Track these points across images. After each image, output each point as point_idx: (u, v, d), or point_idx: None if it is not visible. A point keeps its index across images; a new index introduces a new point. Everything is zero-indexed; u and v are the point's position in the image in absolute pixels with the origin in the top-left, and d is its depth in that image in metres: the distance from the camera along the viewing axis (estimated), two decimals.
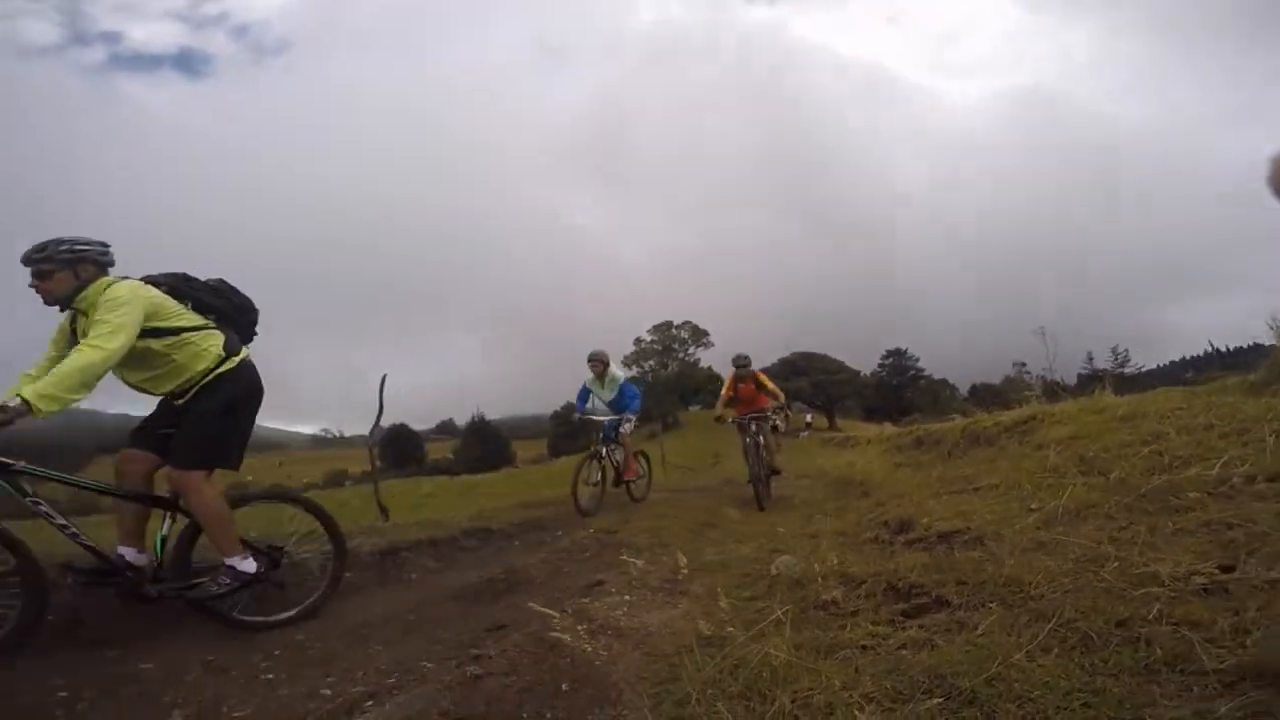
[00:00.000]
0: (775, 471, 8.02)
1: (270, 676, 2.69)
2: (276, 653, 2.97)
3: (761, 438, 7.73)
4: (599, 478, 7.09)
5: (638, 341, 58.06)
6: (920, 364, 66.93)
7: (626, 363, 57.82)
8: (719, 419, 8.31)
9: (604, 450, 7.22)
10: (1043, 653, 1.65)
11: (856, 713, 1.60)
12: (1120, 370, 49.37)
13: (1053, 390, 7.68)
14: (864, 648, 2.10)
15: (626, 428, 7.45)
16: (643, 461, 8.17)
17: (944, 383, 62.75)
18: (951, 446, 8.25)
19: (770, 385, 8.36)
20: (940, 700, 1.54)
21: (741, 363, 8.34)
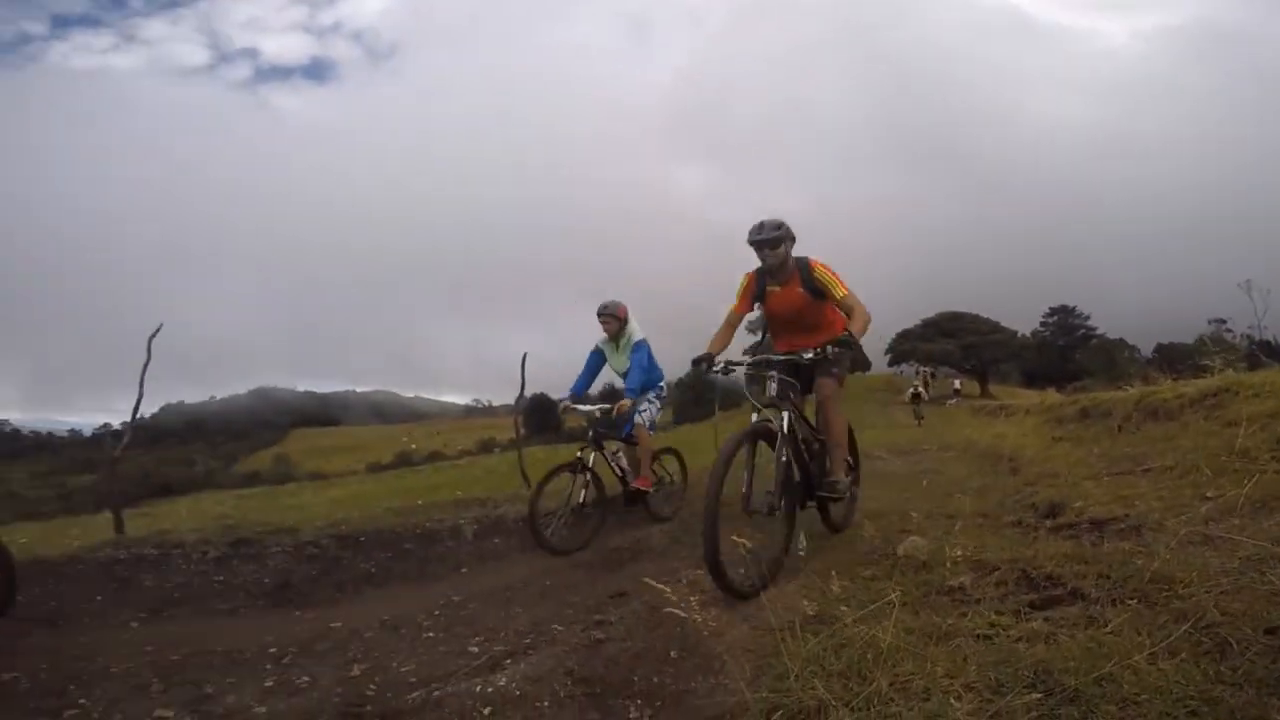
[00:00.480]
0: (834, 491, 3.89)
1: (431, 635, 3.14)
2: (436, 613, 3.45)
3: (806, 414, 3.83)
4: (582, 497, 4.94)
5: None
6: (1091, 322, 59.02)
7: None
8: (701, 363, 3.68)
9: (593, 456, 5.08)
10: (1169, 655, 1.52)
11: (953, 700, 1.58)
12: None
13: (1254, 356, 6.48)
14: (979, 637, 2.03)
15: (643, 416, 5.34)
16: (672, 464, 5.88)
17: (1121, 343, 54.77)
18: (1122, 420, 7.31)
19: (842, 289, 3.74)
20: (1040, 695, 1.49)
21: (767, 237, 3.71)
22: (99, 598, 3.83)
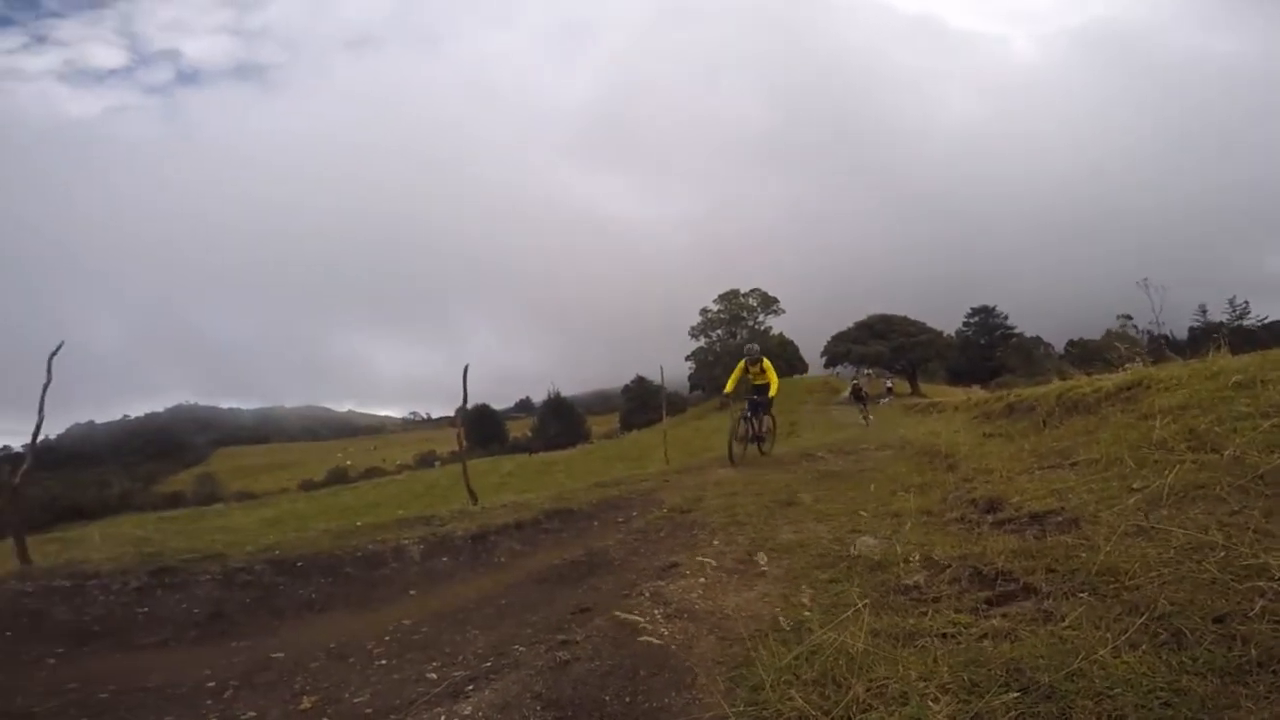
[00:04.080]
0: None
1: (383, 662, 2.97)
2: (387, 639, 3.27)
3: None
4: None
5: (704, 312, 57.50)
6: (1009, 321, 62.87)
7: (693, 333, 57.28)
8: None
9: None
10: (1130, 648, 1.59)
11: (931, 704, 1.60)
12: (1239, 323, 44.42)
13: (1158, 349, 7.02)
14: (944, 636, 2.08)
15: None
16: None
17: (1037, 340, 58.62)
18: (1046, 415, 7.73)
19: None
20: (1017, 694, 1.52)
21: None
22: (7, 633, 3.46)
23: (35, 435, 5.20)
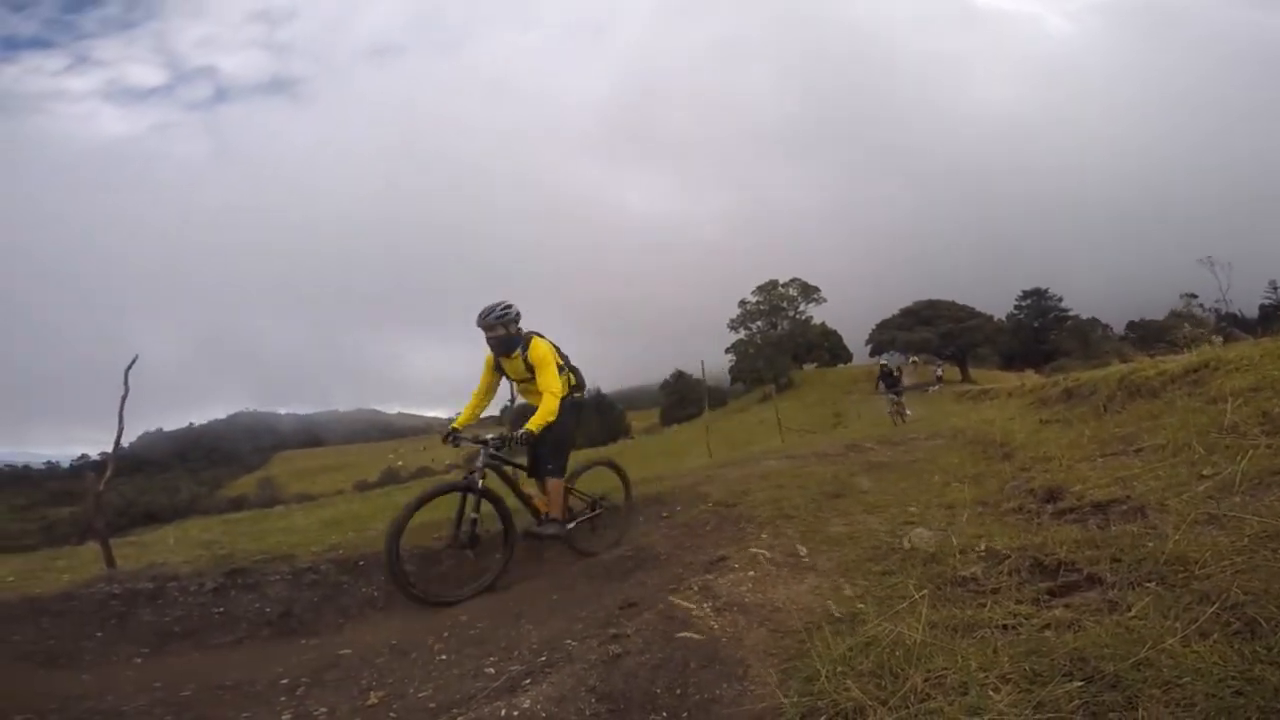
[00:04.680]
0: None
1: (443, 658, 3.09)
2: (446, 635, 3.39)
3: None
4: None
5: (742, 303, 56.99)
6: (1064, 304, 60.29)
7: (732, 325, 56.40)
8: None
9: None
10: (1200, 637, 1.54)
11: (991, 693, 1.58)
12: None
13: (1227, 328, 6.64)
14: (1004, 627, 2.04)
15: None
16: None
17: (1094, 322, 56.08)
18: (1107, 399, 7.43)
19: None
20: (1081, 684, 1.49)
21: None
22: (98, 635, 3.73)
23: (116, 444, 5.55)
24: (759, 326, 56.68)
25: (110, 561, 4.95)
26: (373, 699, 2.70)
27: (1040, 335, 56.93)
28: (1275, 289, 46.44)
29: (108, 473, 5.62)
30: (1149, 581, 2.00)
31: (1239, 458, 2.93)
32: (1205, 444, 3.50)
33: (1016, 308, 61.90)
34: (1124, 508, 2.95)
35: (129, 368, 5.39)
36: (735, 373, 57.34)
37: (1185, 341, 7.34)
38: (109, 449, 5.77)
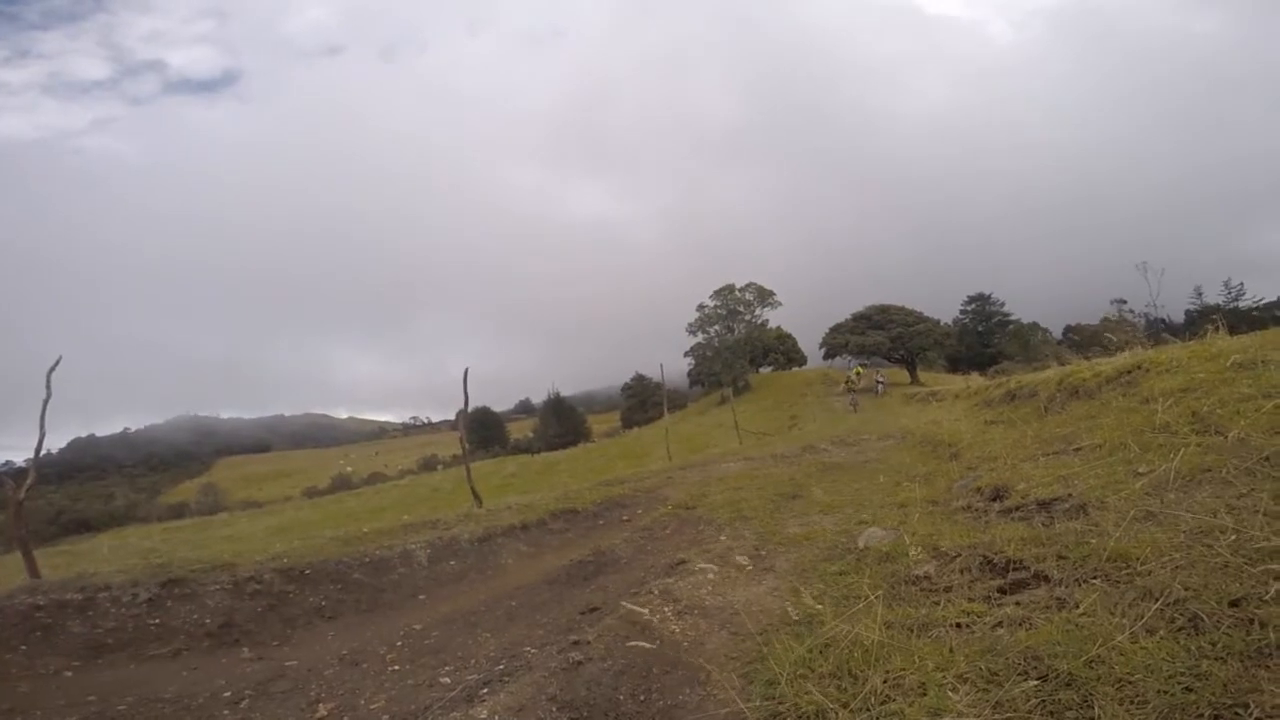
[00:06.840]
0: None
1: (396, 668, 2.98)
2: (399, 644, 3.27)
3: None
4: None
5: (700, 308, 57.37)
6: (1006, 308, 62.91)
7: (690, 329, 57.23)
8: None
9: None
10: (1147, 634, 1.59)
11: (950, 693, 1.60)
12: (1235, 304, 44.47)
13: (1156, 333, 7.04)
14: (958, 626, 2.07)
15: None
16: None
17: (1034, 326, 58.70)
18: (1047, 400, 7.76)
19: None
20: (1036, 682, 1.53)
21: None
22: (23, 647, 3.47)
23: (38, 450, 5.20)
24: (717, 330, 57.20)
25: (34, 572, 4.63)
26: (321, 711, 2.59)
27: (984, 339, 59.24)
28: (1200, 295, 49.34)
29: (29, 480, 5.26)
30: (1094, 578, 2.06)
31: (1171, 455, 3.06)
32: (1140, 442, 3.66)
33: (962, 312, 64.29)
34: (1066, 505, 3.05)
35: (51, 370, 5.06)
36: (694, 376, 57.74)
37: (1116, 346, 7.74)
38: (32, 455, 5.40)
